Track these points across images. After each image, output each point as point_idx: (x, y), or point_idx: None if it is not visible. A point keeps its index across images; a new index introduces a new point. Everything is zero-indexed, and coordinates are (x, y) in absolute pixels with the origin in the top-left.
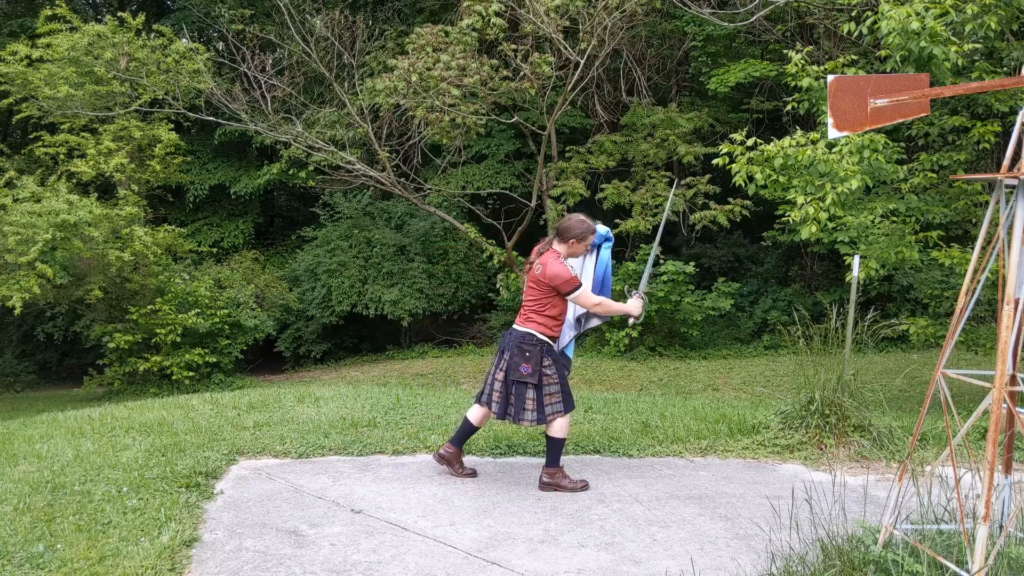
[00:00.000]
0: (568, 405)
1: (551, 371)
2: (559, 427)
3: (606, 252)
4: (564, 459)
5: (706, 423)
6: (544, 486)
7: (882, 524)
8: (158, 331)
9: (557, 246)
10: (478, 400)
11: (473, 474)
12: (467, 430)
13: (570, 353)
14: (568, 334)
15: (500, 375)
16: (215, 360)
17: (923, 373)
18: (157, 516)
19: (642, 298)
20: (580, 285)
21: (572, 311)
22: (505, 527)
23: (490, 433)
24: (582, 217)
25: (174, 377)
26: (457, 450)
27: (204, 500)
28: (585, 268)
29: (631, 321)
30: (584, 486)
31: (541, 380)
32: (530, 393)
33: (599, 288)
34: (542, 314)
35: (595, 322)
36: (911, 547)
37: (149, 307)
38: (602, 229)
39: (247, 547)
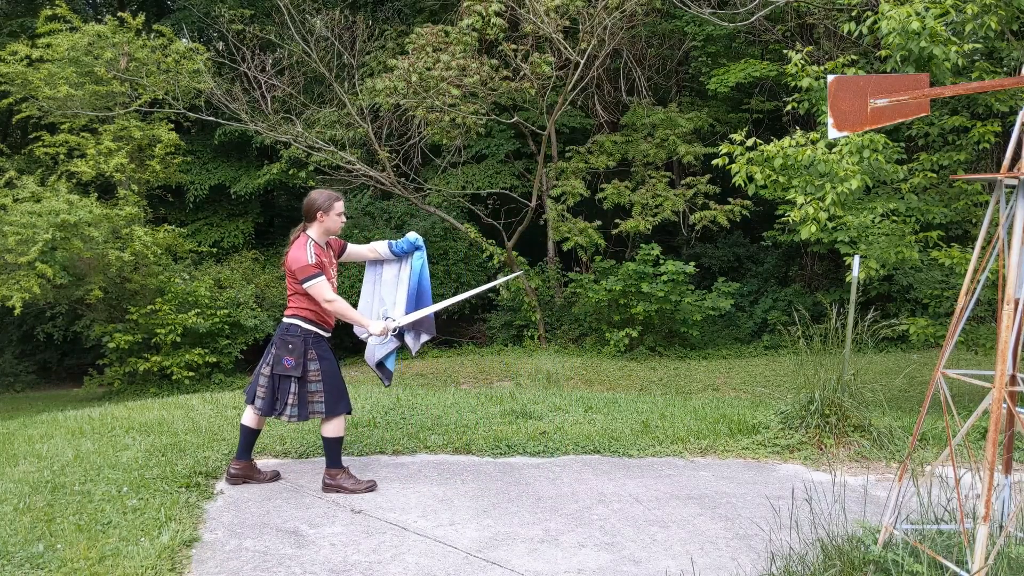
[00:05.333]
0: (334, 408)
1: (315, 366)
2: (332, 427)
3: (417, 262)
4: (564, 459)
5: (706, 423)
6: (327, 487)
7: (882, 524)
8: (158, 331)
9: (310, 230)
10: (248, 401)
11: (276, 476)
12: (247, 437)
13: (390, 366)
14: (388, 345)
15: (266, 370)
16: (215, 360)
17: (923, 373)
18: (157, 516)
19: (392, 324)
20: (317, 274)
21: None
22: (505, 527)
23: (490, 433)
24: (321, 190)
25: (174, 377)
26: (247, 463)
27: (204, 500)
28: (400, 280)
29: (365, 335)
30: (370, 487)
31: (305, 375)
32: (292, 387)
33: (414, 303)
34: (300, 303)
35: (424, 338)
36: (911, 547)
37: (149, 307)
38: (411, 236)
39: (247, 547)
